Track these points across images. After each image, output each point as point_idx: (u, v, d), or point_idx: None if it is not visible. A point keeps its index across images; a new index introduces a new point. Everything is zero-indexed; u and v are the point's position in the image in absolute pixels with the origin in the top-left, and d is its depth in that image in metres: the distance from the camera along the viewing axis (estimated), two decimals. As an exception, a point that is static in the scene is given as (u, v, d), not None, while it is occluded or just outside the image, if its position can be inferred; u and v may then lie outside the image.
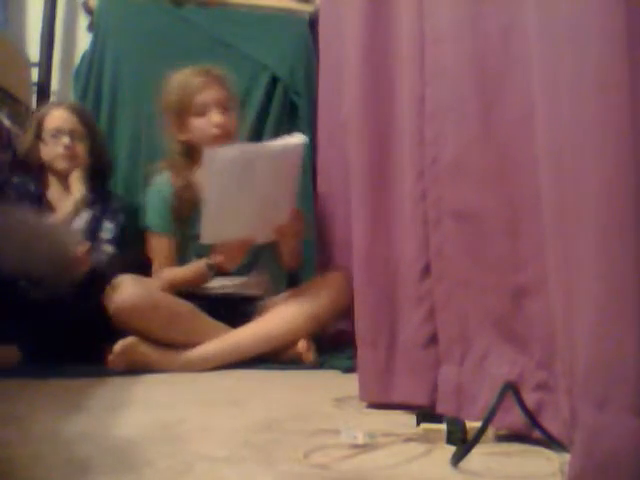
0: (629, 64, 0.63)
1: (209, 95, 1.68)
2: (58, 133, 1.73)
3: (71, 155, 1.74)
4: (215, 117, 1.67)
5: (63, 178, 1.75)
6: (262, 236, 1.63)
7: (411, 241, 1.07)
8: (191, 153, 1.73)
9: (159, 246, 1.71)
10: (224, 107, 1.69)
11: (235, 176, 1.49)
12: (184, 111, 1.69)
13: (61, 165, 1.74)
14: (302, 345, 1.56)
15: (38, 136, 1.75)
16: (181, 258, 1.72)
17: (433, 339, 1.03)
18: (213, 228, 1.52)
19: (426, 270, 1.04)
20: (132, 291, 1.48)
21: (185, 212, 1.69)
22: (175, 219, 1.70)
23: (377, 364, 1.09)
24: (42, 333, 1.45)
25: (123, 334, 1.45)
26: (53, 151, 1.74)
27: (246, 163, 1.49)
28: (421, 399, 1.03)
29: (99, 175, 1.81)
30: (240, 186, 1.50)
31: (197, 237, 1.57)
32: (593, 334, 0.64)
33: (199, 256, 1.67)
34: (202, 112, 1.68)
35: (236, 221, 1.54)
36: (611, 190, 0.63)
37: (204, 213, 1.51)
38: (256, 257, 1.77)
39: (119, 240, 1.73)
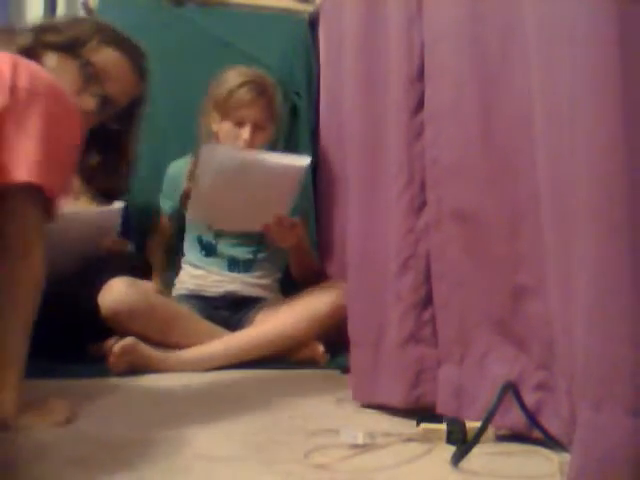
0: (621, 67, 0.63)
1: (252, 113, 1.71)
2: None
3: None
4: (245, 134, 1.70)
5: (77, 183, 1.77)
6: (248, 228, 1.70)
7: (392, 240, 1.07)
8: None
9: (157, 226, 1.85)
10: (259, 126, 1.72)
11: (227, 176, 1.53)
12: (224, 112, 1.73)
13: None
14: (317, 349, 1.57)
15: None
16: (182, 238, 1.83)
17: (410, 339, 1.03)
18: (199, 209, 1.59)
19: (403, 268, 1.04)
20: (126, 293, 1.47)
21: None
22: (183, 200, 1.76)
23: (365, 364, 1.10)
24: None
25: (114, 332, 1.46)
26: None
27: (239, 167, 1.53)
28: (396, 401, 1.02)
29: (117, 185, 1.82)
30: (227, 184, 1.54)
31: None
32: (589, 334, 0.64)
33: (199, 238, 1.77)
34: (238, 123, 1.71)
35: (221, 211, 1.60)
36: (607, 191, 0.63)
37: (192, 194, 1.58)
38: (254, 257, 1.78)
39: None
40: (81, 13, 2.24)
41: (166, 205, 1.84)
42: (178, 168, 1.84)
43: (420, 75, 1.06)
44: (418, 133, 1.05)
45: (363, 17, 1.18)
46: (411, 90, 1.06)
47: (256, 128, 1.71)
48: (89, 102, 1.14)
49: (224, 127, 1.73)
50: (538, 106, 0.79)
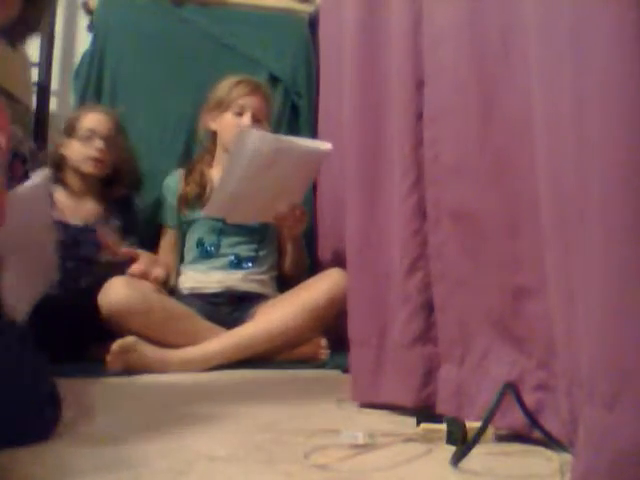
0: (635, 66, 0.62)
1: (251, 102, 1.79)
2: (93, 135, 1.73)
3: (101, 159, 1.73)
4: (246, 120, 1.76)
5: (84, 180, 1.76)
6: (261, 219, 1.74)
7: (397, 241, 1.07)
8: (213, 146, 1.88)
9: (163, 239, 1.85)
10: (258, 118, 1.79)
11: (257, 161, 1.53)
12: (224, 105, 1.80)
13: (89, 168, 1.73)
14: (319, 343, 1.59)
15: (69, 135, 1.75)
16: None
17: (418, 339, 1.03)
18: (219, 203, 1.59)
19: (410, 270, 1.04)
20: (125, 293, 1.49)
21: (190, 202, 1.81)
22: (179, 210, 1.83)
23: (367, 364, 1.10)
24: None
25: (115, 333, 1.46)
26: (84, 152, 1.72)
27: (272, 152, 1.53)
28: (405, 400, 1.02)
29: (121, 184, 1.81)
30: (257, 172, 1.55)
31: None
32: (599, 333, 0.64)
33: (199, 241, 1.79)
34: (238, 112, 1.78)
35: (242, 203, 1.60)
36: (615, 190, 0.62)
37: (217, 186, 1.59)
38: (257, 255, 1.79)
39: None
40: (81, 13, 2.24)
41: (168, 216, 1.85)
42: (174, 179, 1.88)
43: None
44: (423, 136, 1.05)
45: (363, 17, 1.18)
46: (416, 93, 1.06)
47: (254, 119, 1.76)
48: None
49: (225, 118, 1.79)
50: (539, 106, 0.79)
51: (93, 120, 1.75)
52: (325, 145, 1.61)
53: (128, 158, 1.83)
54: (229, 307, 1.70)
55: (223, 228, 1.78)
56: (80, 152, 1.73)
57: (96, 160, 1.72)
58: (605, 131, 0.64)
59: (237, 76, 1.83)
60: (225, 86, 1.81)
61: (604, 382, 0.63)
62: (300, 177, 1.63)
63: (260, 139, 1.52)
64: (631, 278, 0.61)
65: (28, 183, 1.40)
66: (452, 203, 0.99)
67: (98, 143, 1.72)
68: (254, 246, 1.80)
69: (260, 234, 1.80)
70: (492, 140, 0.92)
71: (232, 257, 1.77)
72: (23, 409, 0.82)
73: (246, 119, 1.75)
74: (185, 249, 1.82)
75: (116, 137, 1.77)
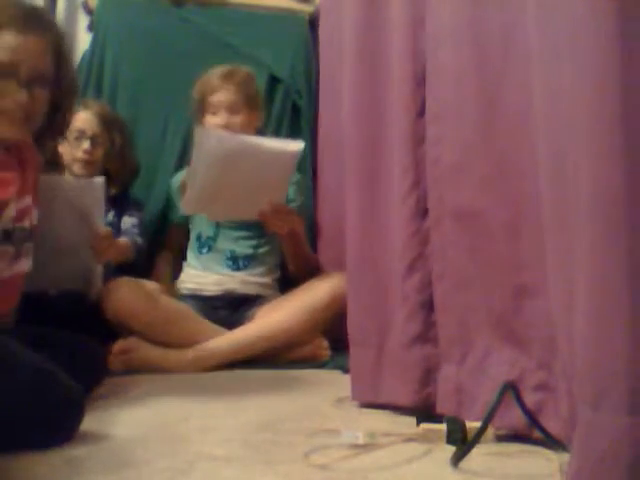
0: (622, 66, 0.63)
1: (220, 97, 1.76)
2: (81, 136, 1.74)
3: (89, 161, 1.74)
4: (217, 119, 1.74)
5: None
6: (243, 217, 1.69)
7: (397, 241, 1.07)
8: None
9: (170, 234, 1.87)
10: (233, 110, 1.75)
11: (220, 161, 1.49)
12: (202, 108, 1.79)
13: (78, 170, 1.74)
14: (321, 344, 1.59)
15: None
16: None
17: (417, 339, 1.03)
18: (193, 201, 1.54)
19: (409, 270, 1.04)
20: (128, 294, 1.49)
21: None
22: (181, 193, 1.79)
23: (367, 364, 1.10)
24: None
25: (119, 333, 1.47)
26: (72, 154, 1.74)
27: (232, 153, 1.49)
28: (404, 400, 1.02)
29: (118, 181, 1.81)
30: (221, 171, 1.50)
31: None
32: (587, 334, 0.64)
33: (199, 235, 1.79)
34: (213, 112, 1.76)
35: (216, 200, 1.56)
36: (606, 191, 0.63)
37: (188, 184, 1.54)
38: (255, 252, 1.78)
39: (143, 231, 1.77)
40: (81, 13, 2.24)
41: (172, 214, 1.86)
42: (180, 176, 1.87)
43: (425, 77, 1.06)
44: (423, 135, 1.05)
45: (363, 17, 1.18)
46: (416, 92, 1.06)
47: (231, 112, 1.74)
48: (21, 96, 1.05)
49: (206, 122, 1.77)
50: (539, 106, 0.79)
51: (80, 120, 1.75)
52: (294, 145, 1.56)
53: (121, 153, 1.82)
54: (228, 310, 1.70)
55: (220, 221, 1.78)
56: (69, 153, 1.74)
57: (83, 161, 1.74)
58: (592, 131, 0.64)
59: (212, 70, 1.80)
60: (198, 86, 1.79)
61: (590, 383, 0.64)
62: (273, 176, 1.57)
63: (218, 139, 1.48)
64: (614, 283, 0.62)
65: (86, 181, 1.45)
66: (454, 203, 0.99)
67: (85, 144, 1.73)
68: (254, 242, 1.78)
69: (260, 229, 1.78)
70: (494, 140, 0.92)
71: (228, 253, 1.76)
72: (45, 412, 0.82)
73: (217, 119, 1.74)
74: (188, 246, 1.82)
75: (105, 134, 1.77)
